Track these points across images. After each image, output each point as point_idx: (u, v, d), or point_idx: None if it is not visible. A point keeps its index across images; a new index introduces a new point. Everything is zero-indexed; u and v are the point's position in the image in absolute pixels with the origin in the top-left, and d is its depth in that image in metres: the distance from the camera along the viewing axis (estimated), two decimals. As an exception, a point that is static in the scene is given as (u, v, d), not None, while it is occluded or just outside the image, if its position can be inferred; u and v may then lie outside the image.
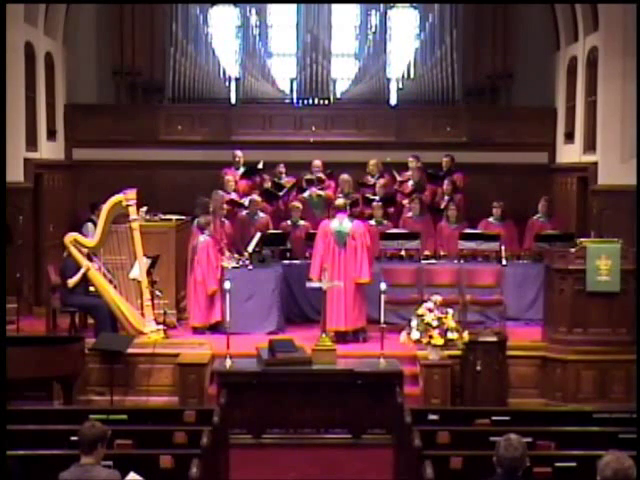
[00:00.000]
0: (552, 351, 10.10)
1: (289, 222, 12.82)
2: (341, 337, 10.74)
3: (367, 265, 10.89)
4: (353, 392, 9.18)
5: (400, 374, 9.25)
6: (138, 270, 10.66)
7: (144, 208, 11.75)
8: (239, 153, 13.89)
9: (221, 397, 8.25)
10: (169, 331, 10.89)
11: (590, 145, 13.54)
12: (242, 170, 13.82)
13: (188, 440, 6.71)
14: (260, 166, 13.82)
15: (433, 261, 12.10)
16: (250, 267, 11.53)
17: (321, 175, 13.72)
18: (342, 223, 11.00)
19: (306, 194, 13.43)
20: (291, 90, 15.18)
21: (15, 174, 12.41)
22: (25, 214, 12.57)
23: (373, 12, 15.36)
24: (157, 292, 10.98)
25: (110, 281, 10.69)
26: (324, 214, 12.90)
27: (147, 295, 10.67)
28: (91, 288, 10.69)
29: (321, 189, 13.51)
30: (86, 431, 5.28)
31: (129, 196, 10.64)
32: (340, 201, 11.44)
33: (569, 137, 14.40)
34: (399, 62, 15.37)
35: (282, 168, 13.91)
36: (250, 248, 11.70)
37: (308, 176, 13.58)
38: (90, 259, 10.68)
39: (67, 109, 14.71)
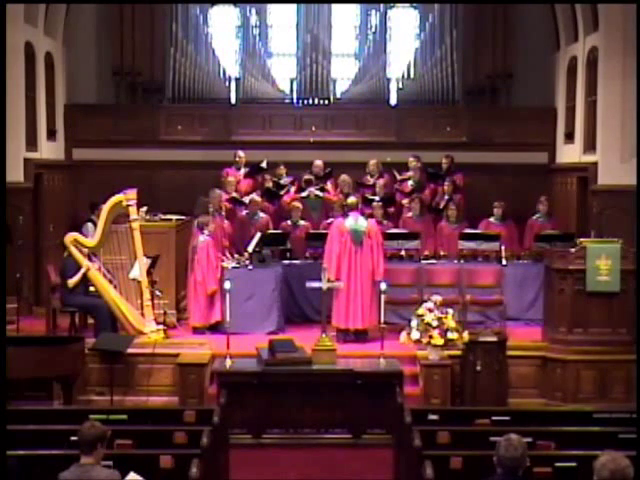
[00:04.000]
0: (552, 351, 10.09)
1: (289, 222, 12.82)
2: (342, 336, 10.76)
3: (382, 263, 10.92)
4: (353, 392, 9.17)
5: (400, 374, 9.24)
6: (138, 270, 10.66)
7: (144, 208, 11.75)
8: (241, 153, 13.85)
9: (221, 397, 8.25)
10: (169, 331, 10.89)
11: (590, 145, 13.54)
12: (245, 170, 13.80)
13: (188, 440, 6.71)
14: (264, 165, 13.81)
15: (433, 261, 12.09)
16: (250, 267, 11.53)
17: (320, 174, 13.72)
18: (357, 221, 11.01)
19: (304, 193, 13.42)
20: (291, 90, 15.18)
21: (15, 174, 12.41)
22: (25, 214, 12.57)
23: (373, 12, 15.37)
24: (157, 292, 10.98)
25: (110, 281, 10.68)
26: (321, 215, 12.91)
27: (147, 295, 10.67)
28: (91, 288, 10.68)
29: (320, 189, 13.50)
30: (86, 431, 5.28)
31: (129, 196, 10.64)
32: (352, 200, 11.48)
33: (569, 137, 14.40)
34: (399, 62, 15.38)
35: (283, 169, 13.91)
36: (250, 248, 11.70)
37: (307, 176, 13.57)
38: (90, 259, 10.68)
39: (67, 109, 14.71)
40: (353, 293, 10.71)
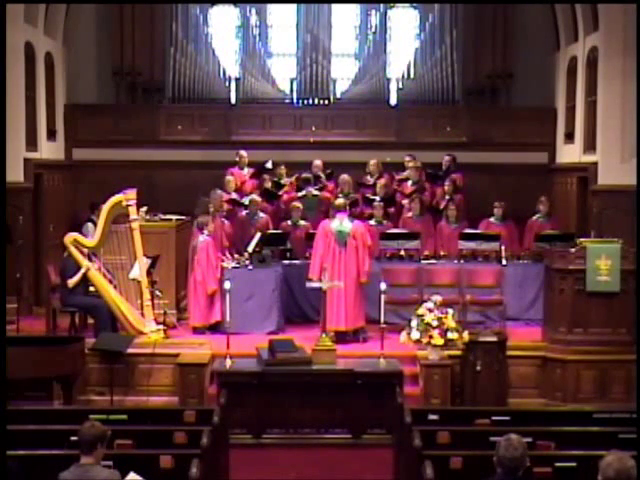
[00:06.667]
0: (552, 351, 10.09)
1: (289, 222, 12.82)
2: (341, 337, 10.74)
3: (367, 265, 10.90)
4: (353, 392, 9.17)
5: (400, 374, 9.25)
6: (138, 270, 10.65)
7: (144, 208, 11.75)
8: (243, 153, 13.87)
9: (221, 397, 8.24)
10: (169, 331, 10.89)
11: (590, 145, 13.54)
12: (250, 170, 13.80)
13: (188, 440, 6.71)
14: (269, 165, 13.81)
15: (433, 261, 12.09)
16: (250, 267, 11.54)
17: (321, 175, 13.71)
18: (342, 223, 11.00)
19: (302, 193, 13.41)
20: (291, 90, 15.19)
21: (15, 174, 12.41)
22: (25, 214, 12.57)
23: (373, 12, 15.38)
24: (157, 292, 10.98)
25: (110, 281, 10.68)
26: (316, 215, 12.89)
27: (147, 295, 10.67)
28: (91, 288, 10.68)
29: (320, 189, 13.50)
30: (86, 431, 5.28)
31: (129, 196, 10.64)
32: (340, 201, 11.43)
33: (569, 137, 14.41)
34: (399, 62, 15.39)
35: (283, 169, 13.91)
36: (250, 248, 11.70)
37: (305, 175, 13.57)
38: (90, 259, 10.68)
39: (67, 109, 14.72)
40: (336, 294, 10.64)
